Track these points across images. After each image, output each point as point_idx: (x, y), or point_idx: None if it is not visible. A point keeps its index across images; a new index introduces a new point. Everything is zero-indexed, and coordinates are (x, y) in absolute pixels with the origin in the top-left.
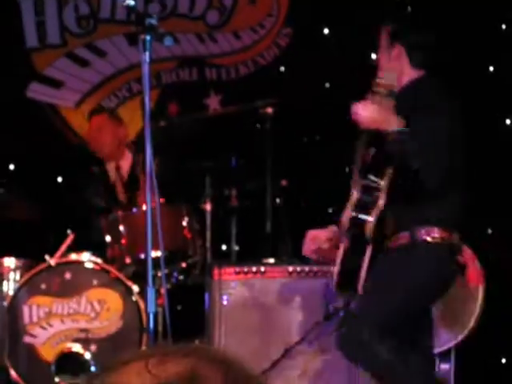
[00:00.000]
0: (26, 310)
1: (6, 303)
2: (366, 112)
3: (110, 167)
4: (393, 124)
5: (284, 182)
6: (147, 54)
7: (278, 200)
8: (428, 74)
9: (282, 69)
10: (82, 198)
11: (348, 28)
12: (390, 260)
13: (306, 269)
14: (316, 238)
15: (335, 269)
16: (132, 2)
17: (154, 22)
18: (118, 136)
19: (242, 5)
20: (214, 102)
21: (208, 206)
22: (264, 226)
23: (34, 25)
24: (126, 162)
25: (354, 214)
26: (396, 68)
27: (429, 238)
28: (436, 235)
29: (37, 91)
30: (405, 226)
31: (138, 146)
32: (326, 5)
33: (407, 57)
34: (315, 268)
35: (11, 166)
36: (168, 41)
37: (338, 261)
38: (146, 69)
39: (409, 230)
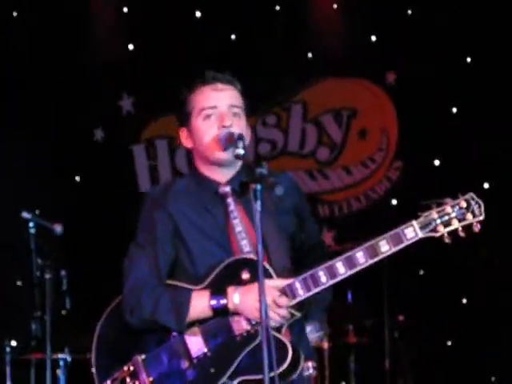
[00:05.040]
0: None
1: None
2: None
3: None
4: None
5: (401, 317)
6: (259, 203)
7: (395, 334)
8: None
9: (394, 202)
10: None
11: (459, 159)
12: None
13: None
14: None
15: None
16: (242, 151)
17: (264, 171)
18: None
19: (352, 140)
20: (327, 239)
21: (325, 344)
22: (383, 362)
23: (147, 169)
24: None
25: None
26: None
27: None
28: None
29: None
30: None
31: None
32: (435, 136)
33: None
34: None
35: None
36: (279, 190)
37: None
38: (257, 217)
39: None
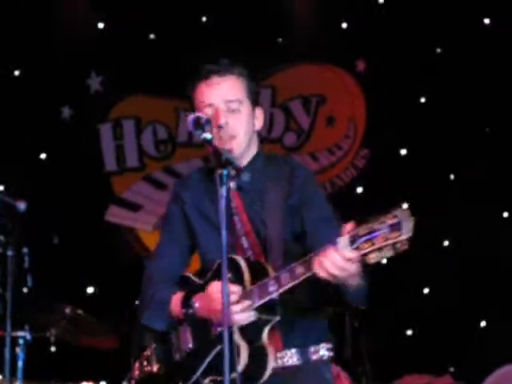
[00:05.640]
0: None
1: None
2: None
3: None
4: None
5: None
6: (224, 188)
7: (355, 324)
8: None
9: (360, 190)
10: None
11: (426, 149)
12: None
13: None
14: None
15: None
16: (209, 136)
17: (230, 157)
18: None
19: (320, 127)
20: None
21: None
22: (342, 351)
23: (113, 149)
24: None
25: None
26: None
27: None
28: None
29: (115, 214)
30: None
31: None
32: (403, 126)
33: None
34: None
35: (90, 290)
36: (245, 176)
37: None
38: (222, 203)
39: None
